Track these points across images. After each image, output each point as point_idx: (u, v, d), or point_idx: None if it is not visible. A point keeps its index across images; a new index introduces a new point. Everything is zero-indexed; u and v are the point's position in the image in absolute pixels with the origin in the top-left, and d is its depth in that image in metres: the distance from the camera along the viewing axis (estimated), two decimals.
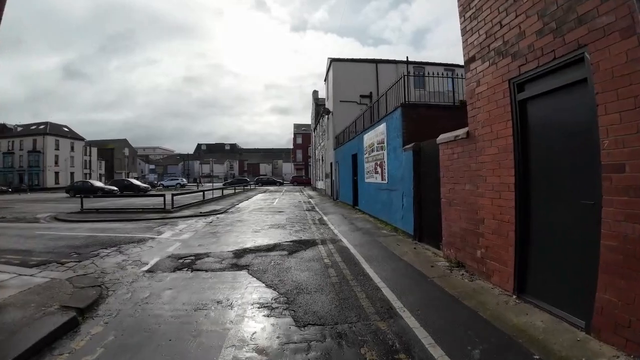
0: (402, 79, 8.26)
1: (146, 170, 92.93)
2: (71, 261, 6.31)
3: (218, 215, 13.59)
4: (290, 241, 7.81)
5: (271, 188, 42.78)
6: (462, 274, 5.05)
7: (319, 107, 33.42)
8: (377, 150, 10.28)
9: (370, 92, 20.74)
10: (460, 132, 5.50)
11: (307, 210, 15.03)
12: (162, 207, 14.92)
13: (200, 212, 14.44)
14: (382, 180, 9.69)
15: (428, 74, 9.53)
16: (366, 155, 11.70)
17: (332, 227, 9.76)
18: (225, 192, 27.23)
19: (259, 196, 25.95)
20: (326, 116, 22.85)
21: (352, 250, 6.78)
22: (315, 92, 37.64)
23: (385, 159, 9.34)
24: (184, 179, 56.97)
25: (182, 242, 8.04)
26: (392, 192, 8.85)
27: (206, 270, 5.62)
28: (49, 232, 9.87)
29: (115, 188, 32.32)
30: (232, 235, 8.82)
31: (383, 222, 9.76)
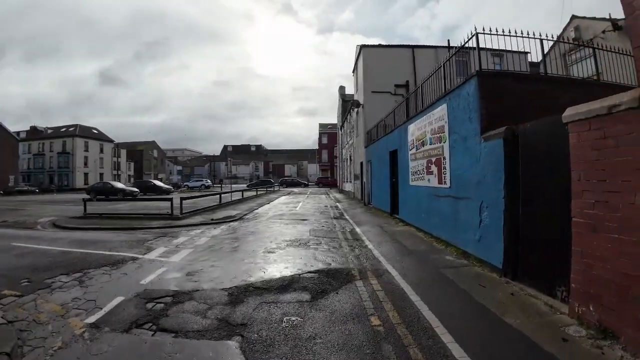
0: (474, 37, 5.72)
1: (174, 171, 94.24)
2: (12, 294, 4.45)
3: (231, 224, 11.49)
4: (315, 271, 5.44)
5: (295, 190, 40.74)
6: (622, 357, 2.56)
7: (346, 104, 30.99)
8: (431, 143, 7.76)
9: (407, 81, 18.10)
10: (627, 97, 3.01)
11: (334, 218, 12.66)
12: (170, 212, 13.02)
13: (212, 219, 12.41)
14: (441, 183, 7.16)
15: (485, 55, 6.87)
16: (412, 151, 9.18)
17: (371, 246, 7.32)
18: (247, 194, 25.37)
19: (282, 199, 23.84)
20: (355, 110, 20.36)
21: (411, 294, 4.31)
22: (341, 88, 35.22)
23: (447, 154, 6.82)
24: (209, 180, 56.02)
25: (168, 267, 5.91)
26: (458, 201, 6.33)
27: (175, 334, 3.39)
28: (26, 243, 8.14)
29: (136, 189, 31.37)
30: (238, 257, 6.59)
31: (441, 242, 7.21)
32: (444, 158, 6.95)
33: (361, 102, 18.20)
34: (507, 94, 5.42)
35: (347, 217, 12.91)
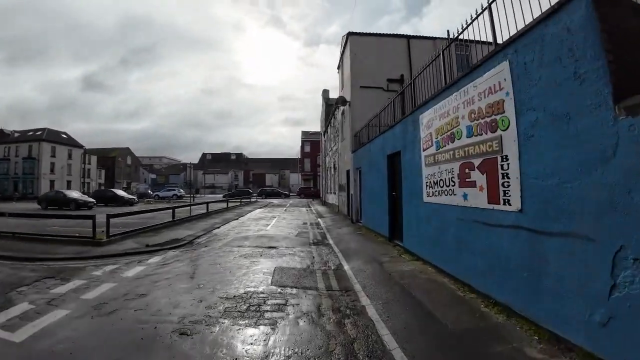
0: None
1: (149, 179, 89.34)
2: None
3: (169, 253, 8.23)
4: None
5: (275, 201, 37.39)
6: None
7: (330, 108, 28.14)
8: (470, 135, 4.76)
9: (401, 75, 15.34)
10: None
11: (314, 243, 9.50)
12: (92, 236, 9.58)
13: (147, 245, 9.08)
14: (496, 202, 4.11)
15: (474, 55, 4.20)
16: (429, 152, 6.23)
17: (373, 313, 4.18)
18: (217, 206, 21.96)
19: (255, 213, 20.49)
20: (341, 109, 17.41)
21: None
22: (325, 91, 32.44)
23: (512, 151, 3.80)
24: (181, 190, 51.87)
25: None
26: (544, 239, 3.29)
27: None
28: None
29: (92, 200, 27.58)
30: (121, 341, 3.32)
31: (493, 303, 4.15)
32: (504, 158, 3.94)
33: (348, 99, 15.28)
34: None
35: (330, 241, 9.79)
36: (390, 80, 15.30)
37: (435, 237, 6.07)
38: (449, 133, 5.41)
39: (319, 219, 16.04)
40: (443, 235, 5.71)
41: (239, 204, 29.16)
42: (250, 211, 21.93)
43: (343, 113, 17.35)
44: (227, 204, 24.89)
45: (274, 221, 15.54)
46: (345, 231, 11.60)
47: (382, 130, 9.43)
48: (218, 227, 13.34)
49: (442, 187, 5.72)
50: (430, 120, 6.16)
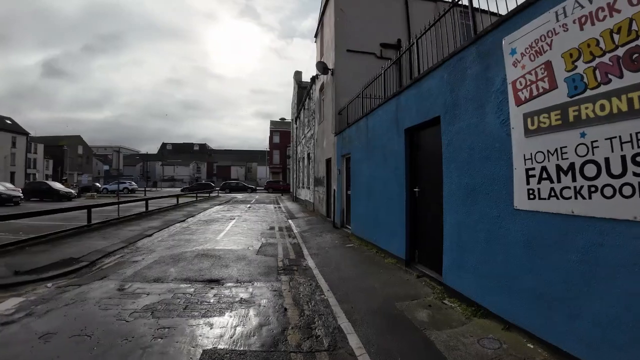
0: None
1: (102, 171, 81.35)
2: None
3: (28, 295, 4.36)
4: None
5: (239, 196, 33.29)
6: None
7: (302, 91, 24.57)
8: None
9: (399, 40, 12.08)
10: None
11: (285, 271, 5.88)
12: None
13: (16, 273, 5.31)
14: None
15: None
16: (535, 105, 3.00)
17: None
18: (168, 202, 17.85)
19: (209, 212, 16.57)
20: (321, 81, 13.82)
21: None
22: (297, 74, 28.77)
23: None
24: (133, 183, 46.20)
25: None
26: None
27: None
28: None
29: (19, 194, 22.43)
30: None
31: None
32: None
33: (330, 66, 11.78)
34: None
35: (310, 264, 6.30)
36: (385, 45, 11.99)
37: (555, 285, 2.77)
38: (627, 48, 2.09)
39: (290, 221, 12.49)
40: (591, 287, 2.42)
41: (194, 199, 24.96)
42: (206, 209, 17.97)
43: (322, 89, 13.84)
44: (178, 200, 20.69)
45: (231, 225, 11.80)
46: (328, 243, 8.15)
47: (395, 92, 6.02)
48: (149, 235, 9.49)
49: (590, 178, 2.43)
50: (545, 37, 2.83)
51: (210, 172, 75.95)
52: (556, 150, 2.95)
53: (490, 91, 3.67)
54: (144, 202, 15.76)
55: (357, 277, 5.27)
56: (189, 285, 5.08)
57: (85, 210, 10.66)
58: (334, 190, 10.45)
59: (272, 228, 11.03)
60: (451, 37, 4.60)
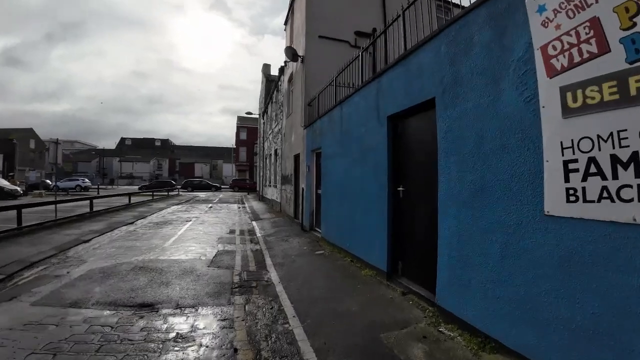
0: None
1: (56, 167, 75.08)
2: None
3: None
4: None
5: (201, 195, 31.39)
6: None
7: (270, 84, 23.34)
8: None
9: (374, 29, 11.25)
10: None
11: (241, 289, 4.75)
12: None
13: None
14: None
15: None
16: (580, 74, 2.09)
17: None
18: (118, 201, 16.00)
19: (164, 213, 15.00)
20: (290, 71, 12.72)
21: None
22: (266, 67, 27.44)
23: None
24: (87, 180, 42.66)
25: None
26: None
27: None
28: None
29: None
30: None
31: None
32: None
33: (300, 53, 10.72)
34: None
35: (273, 278, 5.23)
36: (360, 34, 11.12)
37: (603, 317, 1.93)
38: None
39: (254, 224, 11.31)
40: None
41: (150, 198, 23.00)
42: (161, 209, 16.33)
43: (291, 79, 12.76)
44: (130, 199, 18.78)
45: (185, 228, 10.45)
46: (296, 249, 7.12)
47: (376, 73, 5.09)
48: (86, 241, 8.09)
49: None
50: None
51: (173, 169, 72.31)
52: (611, 135, 2.12)
53: (508, 61, 2.81)
54: (89, 201, 13.95)
55: (330, 296, 4.28)
56: (114, 312, 3.88)
57: (30, 209, 8.97)
58: (302, 189, 9.43)
59: (232, 231, 9.81)
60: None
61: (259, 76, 28.05)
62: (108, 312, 3.88)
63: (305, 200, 9.14)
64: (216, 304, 4.15)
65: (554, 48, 2.50)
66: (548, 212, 2.48)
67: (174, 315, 3.83)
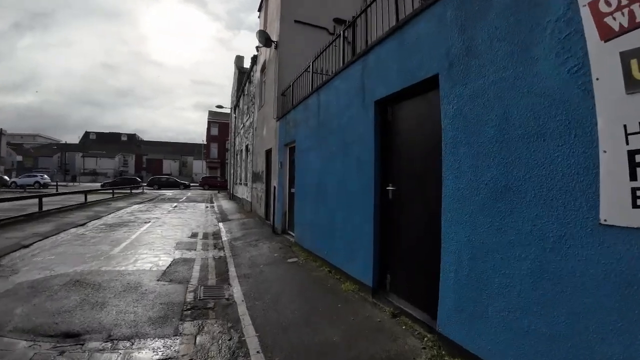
0: None
1: (15, 162, 69.69)
2: None
3: None
4: None
5: (168, 193, 29.63)
6: None
7: (243, 76, 22.19)
8: None
9: (353, 17, 10.53)
10: None
11: (194, 311, 3.85)
12: None
13: None
14: None
15: None
16: None
17: None
18: (75, 199, 14.43)
19: (122, 213, 13.64)
20: (262, 59, 11.76)
21: None
22: (239, 59, 26.20)
23: None
24: (46, 176, 39.57)
25: None
26: None
27: None
28: None
29: None
30: None
31: None
32: None
33: (274, 38, 9.81)
34: None
35: (236, 294, 4.35)
36: (339, 21, 10.33)
37: None
38: None
39: (220, 225, 10.30)
40: None
41: (110, 196, 21.28)
42: (120, 209, 14.90)
43: (264, 69, 11.81)
44: (86, 198, 17.14)
45: (142, 231, 9.31)
46: (265, 256, 6.24)
47: (362, 51, 4.31)
48: (26, 246, 7.10)
49: None
50: None
51: (139, 165, 68.87)
52: None
53: (543, 23, 2.11)
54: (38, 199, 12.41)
55: (305, 320, 3.47)
56: (31, 343, 3.01)
57: None
58: (274, 187, 8.54)
59: (194, 235, 8.78)
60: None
61: (233, 73, 26.72)
62: (24, 343, 3.00)
63: (277, 200, 8.26)
64: (159, 334, 3.24)
65: (608, 4, 1.81)
66: (605, 220, 1.79)
67: (102, 350, 2.92)
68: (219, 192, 30.43)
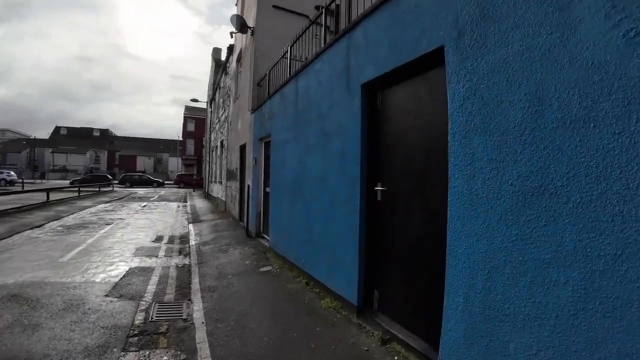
0: None
1: None
2: None
3: None
4: None
5: (140, 191, 28.18)
6: None
7: (219, 69, 21.21)
8: None
9: (337, 6, 9.92)
10: None
11: (140, 337, 3.13)
12: None
13: None
14: None
15: None
16: None
17: None
18: (37, 197, 13.15)
19: (84, 214, 12.53)
20: (239, 48, 10.99)
21: None
22: (216, 51, 25.16)
23: None
24: (12, 173, 37.05)
25: None
26: None
27: None
28: None
29: None
30: None
31: None
32: None
33: (250, 24, 9.05)
34: None
35: (197, 313, 3.65)
36: (320, 8, 9.69)
37: None
38: None
39: (190, 227, 9.49)
40: None
41: (76, 195, 19.89)
42: (84, 209, 13.75)
43: (240, 59, 11.03)
44: (48, 196, 15.85)
45: (101, 234, 8.40)
46: (236, 264, 5.55)
47: (348, 26, 3.69)
48: None
49: None
50: None
51: (112, 162, 66.01)
52: None
53: None
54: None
55: (278, 349, 2.83)
56: None
57: None
58: (248, 186, 7.82)
59: (159, 239, 7.95)
60: None
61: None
62: None
63: (251, 200, 7.54)
64: None
65: None
66: None
67: None
68: (194, 191, 29.22)
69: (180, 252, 6.72)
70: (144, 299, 4.10)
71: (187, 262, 5.94)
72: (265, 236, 6.83)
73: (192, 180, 36.01)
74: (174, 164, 56.38)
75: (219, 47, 25.66)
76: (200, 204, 17.03)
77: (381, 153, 3.22)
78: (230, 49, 12.96)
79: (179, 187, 35.50)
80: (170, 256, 6.41)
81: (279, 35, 8.63)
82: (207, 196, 20.81)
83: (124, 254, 6.34)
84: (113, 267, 5.45)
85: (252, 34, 8.94)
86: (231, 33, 9.94)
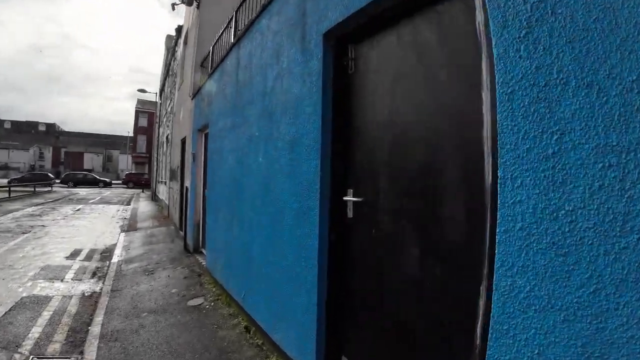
0: None
1: None
2: None
3: None
4: None
5: (82, 192, 25.21)
6: None
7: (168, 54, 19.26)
8: None
9: None
10: None
11: None
12: None
13: None
14: None
15: None
16: None
17: None
18: None
19: (3, 219, 10.38)
20: (188, 19, 9.41)
21: None
22: (169, 38, 22.96)
23: None
24: None
25: None
26: None
27: None
28: None
29: None
30: None
31: None
32: None
33: None
34: None
35: None
36: None
37: None
38: None
39: (121, 237, 7.83)
40: None
41: (6, 196, 17.20)
42: (8, 213, 11.52)
43: (187, 40, 9.46)
44: None
45: (9, 246, 6.65)
46: (158, 294, 4.15)
47: None
48: None
49: None
50: None
51: (57, 159, 60.22)
52: None
53: None
54: None
55: None
56: None
57: None
58: (187, 188, 6.38)
59: (75, 254, 6.29)
60: None
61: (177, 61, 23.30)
62: None
63: (189, 206, 6.11)
64: None
65: None
66: None
67: None
68: (143, 192, 26.60)
69: (94, 274, 5.19)
70: (19, 350, 2.68)
71: (97, 290, 4.46)
72: (203, 250, 5.45)
73: (142, 179, 32.96)
74: (125, 162, 52.36)
75: (172, 34, 23.56)
76: (144, 207, 15.05)
77: (355, 143, 2.04)
78: (179, 30, 11.33)
79: (127, 188, 32.50)
80: (80, 279, 4.89)
81: (229, 9, 7.27)
82: (154, 198, 18.76)
83: (22, 276, 4.77)
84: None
85: (197, 7, 7.46)
86: (173, 5, 8.36)
